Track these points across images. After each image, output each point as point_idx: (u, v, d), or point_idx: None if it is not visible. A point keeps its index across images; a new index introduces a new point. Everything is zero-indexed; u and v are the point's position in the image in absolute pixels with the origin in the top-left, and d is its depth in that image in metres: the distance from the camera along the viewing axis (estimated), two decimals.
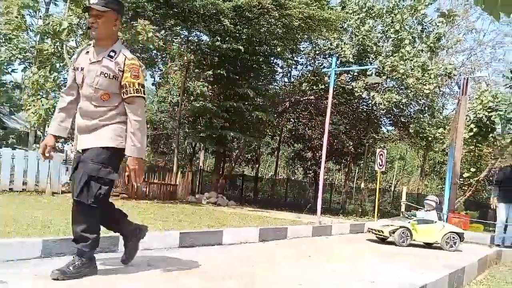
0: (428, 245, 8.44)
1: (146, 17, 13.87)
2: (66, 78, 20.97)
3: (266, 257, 5.84)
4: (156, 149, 28.41)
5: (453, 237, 8.17)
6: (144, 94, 3.52)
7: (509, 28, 29.99)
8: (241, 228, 7.65)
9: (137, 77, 3.48)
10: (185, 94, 19.41)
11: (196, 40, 18.25)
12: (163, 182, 16.62)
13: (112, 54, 3.47)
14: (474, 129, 18.46)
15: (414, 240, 8.17)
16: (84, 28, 13.58)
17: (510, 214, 9.07)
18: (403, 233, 7.98)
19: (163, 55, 18.22)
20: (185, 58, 16.78)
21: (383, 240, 8.49)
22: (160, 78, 22.28)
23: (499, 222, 9.30)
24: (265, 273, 4.69)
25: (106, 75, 3.41)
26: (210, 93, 18.34)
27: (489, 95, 17.95)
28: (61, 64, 16.91)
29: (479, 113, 18.08)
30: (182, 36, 18.03)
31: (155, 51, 17.18)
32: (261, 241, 7.16)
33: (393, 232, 7.97)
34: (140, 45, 13.30)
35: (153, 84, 23.04)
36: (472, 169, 20.92)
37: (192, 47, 17.71)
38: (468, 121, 18.34)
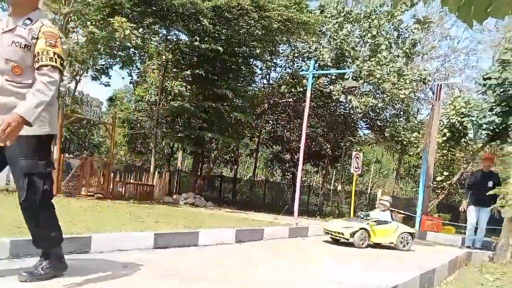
0: (379, 245, 8.39)
1: (123, 14, 13.67)
2: None
3: (242, 258, 5.83)
4: (133, 148, 28.05)
5: (407, 237, 8.28)
6: (62, 66, 3.08)
7: (482, 36, 30.89)
8: (217, 229, 7.61)
9: (53, 46, 3.02)
10: (163, 94, 19.24)
11: (175, 39, 18.12)
12: (139, 182, 16.43)
13: (27, 22, 3.04)
14: (447, 134, 18.93)
15: (371, 241, 8.11)
16: (60, 23, 13.25)
17: (480, 217, 9.32)
18: (362, 234, 7.91)
19: (141, 54, 18.00)
20: (163, 57, 16.63)
21: (337, 241, 8.34)
22: (138, 77, 22.05)
23: (470, 224, 9.55)
24: (240, 275, 4.68)
25: (17, 44, 2.99)
26: (189, 93, 18.23)
27: (462, 101, 18.43)
28: None
29: (452, 119, 18.54)
30: (160, 35, 17.87)
31: (133, 49, 16.95)
32: (238, 242, 7.15)
33: (354, 234, 7.86)
34: (118, 42, 13.09)
35: (130, 83, 22.80)
36: (445, 173, 21.45)
37: (170, 46, 17.57)
38: (441, 126, 18.79)
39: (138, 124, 26.37)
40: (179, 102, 17.24)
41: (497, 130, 17.60)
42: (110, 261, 4.31)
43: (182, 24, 16.32)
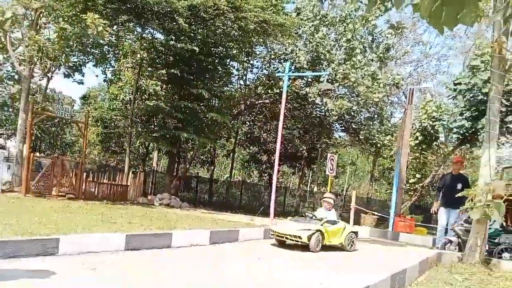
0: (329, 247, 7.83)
1: (96, 11, 13.40)
2: (9, 71, 19.98)
3: (215, 259, 5.79)
4: (107, 148, 27.50)
5: (352, 236, 8.07)
6: None
7: (453, 42, 31.77)
8: (191, 230, 7.54)
9: None
10: (138, 93, 18.96)
11: (150, 38, 17.86)
12: (113, 182, 16.16)
13: None
14: (420, 137, 19.36)
15: (325, 243, 7.57)
16: (30, 18, 12.90)
17: (450, 219, 9.55)
18: (318, 237, 7.34)
19: (116, 51, 17.69)
20: (138, 55, 16.40)
21: (283, 243, 7.72)
22: (112, 75, 21.65)
23: (440, 226, 9.77)
24: (209, 276, 4.64)
25: None
26: (164, 93, 18.02)
27: (433, 105, 18.89)
28: (5, 56, 16.02)
29: (424, 122, 18.98)
30: (135, 33, 17.60)
31: (107, 47, 16.64)
32: (212, 244, 7.10)
33: (311, 237, 7.20)
34: (91, 39, 12.83)
35: (105, 81, 22.35)
36: (418, 175, 21.92)
37: (145, 45, 17.32)
38: (414, 130, 19.22)
39: (112, 123, 25.87)
40: (154, 101, 17.01)
41: (467, 134, 18.14)
42: (78, 264, 4.19)
43: (158, 22, 16.12)
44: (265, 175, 28.09)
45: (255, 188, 27.52)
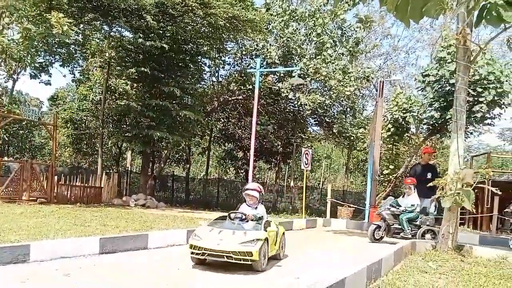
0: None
1: (61, 10, 13.02)
2: None
3: (190, 260, 5.73)
4: (78, 149, 26.86)
5: (283, 240, 6.38)
6: None
7: (420, 35, 32.43)
8: (168, 230, 7.45)
9: None
10: (108, 92, 18.59)
11: (118, 36, 17.49)
12: (86, 184, 15.83)
13: None
14: (391, 129, 19.69)
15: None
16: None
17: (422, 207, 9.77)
18: (264, 247, 5.25)
19: (83, 51, 17.27)
20: (107, 54, 16.05)
21: (204, 262, 5.37)
22: (80, 75, 21.14)
23: None
24: (188, 277, 4.60)
25: None
26: (134, 92, 17.73)
27: (403, 97, 19.24)
28: None
29: (395, 114, 19.32)
30: (102, 32, 17.20)
31: (73, 46, 16.22)
32: None
33: (260, 251, 5.09)
34: (56, 39, 12.46)
35: (73, 81, 21.79)
36: (391, 166, 22.33)
37: (113, 43, 16.96)
38: (385, 122, 19.56)
39: (83, 124, 25.29)
40: (125, 101, 16.71)
41: (437, 124, 18.61)
42: (51, 270, 4.07)
43: (125, 20, 15.80)
44: (242, 171, 28.08)
45: (232, 185, 27.47)
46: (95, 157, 24.87)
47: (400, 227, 9.00)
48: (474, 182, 6.86)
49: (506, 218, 15.81)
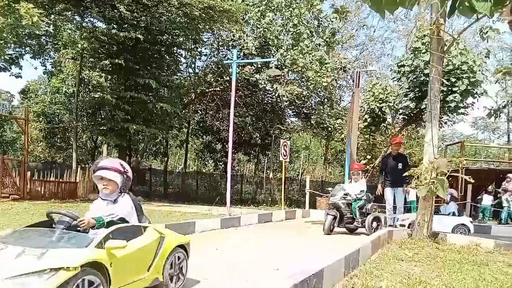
0: None
1: (31, 0, 12.56)
2: None
3: None
4: (52, 144, 26.21)
5: (180, 258, 3.99)
6: None
7: (396, 25, 32.88)
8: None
9: None
10: (82, 85, 18.16)
11: (90, 27, 17.02)
12: (61, 180, 15.50)
13: None
14: (368, 119, 19.98)
15: None
16: None
17: (396, 197, 9.94)
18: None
19: (54, 42, 16.76)
20: (79, 45, 15.64)
21: None
22: (52, 67, 20.56)
23: (388, 205, 10.12)
24: None
25: None
26: (109, 84, 17.34)
27: (379, 87, 19.51)
28: None
29: (371, 105, 19.58)
30: (74, 22, 16.72)
31: (44, 37, 15.72)
32: None
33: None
34: (26, 30, 12.03)
35: (44, 73, 21.18)
36: (368, 156, 22.68)
37: (86, 34, 16.52)
38: (362, 112, 19.79)
39: (56, 118, 24.67)
40: (99, 93, 16.32)
41: (412, 114, 18.98)
42: None
43: (97, 10, 15.40)
44: (221, 164, 27.96)
45: (211, 178, 27.34)
46: (70, 151, 24.36)
47: (351, 216, 8.51)
48: (448, 171, 7.00)
49: (479, 205, 16.27)
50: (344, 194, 8.49)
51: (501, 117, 26.13)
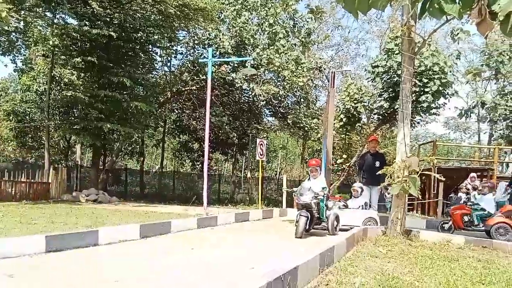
0: None
1: None
2: None
3: (145, 255, 5.61)
4: (23, 143, 25.46)
5: None
6: None
7: (370, 26, 33.39)
8: (120, 225, 7.24)
9: None
10: (53, 83, 17.74)
11: (62, 24, 16.60)
12: (32, 180, 15.11)
13: None
14: (344, 119, 20.18)
15: None
16: None
17: (372, 195, 10.13)
18: None
19: (25, 39, 16.31)
20: (51, 42, 15.27)
21: None
22: (23, 64, 20.01)
23: (364, 203, 10.31)
24: (137, 271, 4.48)
25: None
26: (81, 82, 17.00)
27: (354, 87, 19.75)
28: None
29: (347, 104, 19.81)
30: (45, 19, 16.28)
31: (14, 34, 15.26)
32: (143, 238, 6.88)
33: None
34: None
35: (15, 71, 20.58)
36: (344, 156, 22.93)
37: (57, 31, 16.14)
38: (338, 112, 20.02)
39: (27, 116, 23.97)
40: (71, 91, 15.96)
41: (386, 114, 19.29)
42: None
43: (69, 7, 15.04)
44: (198, 163, 27.82)
45: (188, 177, 27.19)
46: (42, 151, 23.71)
47: (318, 216, 7.93)
48: (420, 170, 7.17)
49: (450, 203, 16.70)
50: (315, 194, 7.80)
51: (471, 117, 26.95)
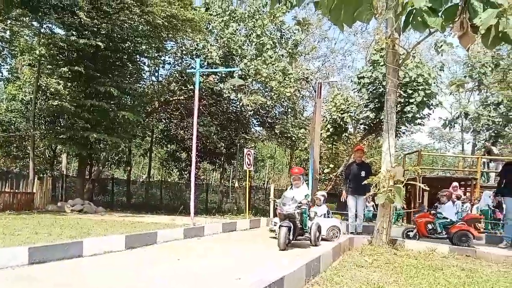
0: None
1: None
2: None
3: (130, 265, 5.56)
4: (7, 153, 25.06)
5: None
6: None
7: (356, 38, 33.91)
8: (105, 236, 7.16)
9: None
10: (39, 92, 17.59)
11: (49, 33, 16.51)
12: (16, 190, 14.86)
13: None
14: (331, 129, 20.40)
15: None
16: None
17: (358, 204, 10.20)
18: None
19: (11, 48, 16.18)
20: (37, 52, 15.18)
21: None
22: (9, 74, 19.82)
23: (350, 212, 10.39)
24: (122, 284, 4.44)
25: None
26: (68, 92, 16.89)
27: (341, 98, 20.01)
28: None
29: (333, 115, 20.03)
30: (32, 28, 16.20)
31: (0, 43, 15.14)
32: (128, 249, 6.81)
33: None
34: None
35: (0, 80, 20.37)
36: (331, 165, 23.11)
37: (44, 41, 16.04)
38: (325, 122, 20.21)
39: (12, 126, 23.64)
40: (57, 101, 15.83)
41: (372, 124, 19.54)
42: None
43: (56, 17, 14.96)
44: (186, 173, 27.68)
45: (176, 187, 27.01)
46: (27, 160, 23.38)
47: (301, 226, 7.62)
48: (405, 179, 7.27)
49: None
50: (299, 203, 7.50)
51: (455, 127, 27.40)
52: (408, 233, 9.59)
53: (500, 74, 22.61)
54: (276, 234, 8.20)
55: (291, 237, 7.26)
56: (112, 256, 6.20)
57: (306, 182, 10.60)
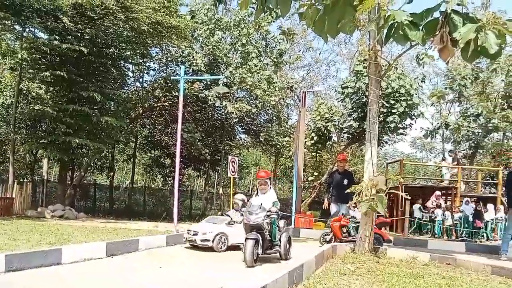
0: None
1: None
2: None
3: (111, 273, 5.49)
4: None
5: None
6: None
7: (340, 49, 34.35)
8: (86, 243, 7.05)
9: None
10: (21, 96, 17.30)
11: (31, 37, 16.28)
12: None
13: None
14: (315, 138, 20.57)
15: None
16: None
17: (341, 213, 10.25)
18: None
19: None
20: (19, 55, 14.95)
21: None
22: None
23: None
24: None
25: None
26: (49, 96, 16.65)
27: (325, 107, 20.22)
28: None
29: (318, 123, 20.22)
30: (14, 32, 15.95)
31: None
32: (109, 256, 6.72)
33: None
34: None
35: None
36: (315, 173, 23.22)
37: (26, 45, 15.80)
38: (309, 130, 20.37)
39: None
40: (39, 105, 15.59)
41: (356, 134, 19.75)
42: None
43: (39, 21, 14.77)
44: (170, 179, 27.44)
45: (159, 193, 26.75)
46: (6, 165, 22.88)
47: (270, 238, 6.86)
48: (387, 188, 7.36)
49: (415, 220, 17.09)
50: (268, 211, 6.74)
51: (436, 137, 27.85)
52: (325, 237, 9.71)
53: (480, 86, 23.18)
54: (190, 244, 8.19)
55: (259, 251, 6.45)
56: (92, 263, 6.11)
57: (290, 190, 10.58)
